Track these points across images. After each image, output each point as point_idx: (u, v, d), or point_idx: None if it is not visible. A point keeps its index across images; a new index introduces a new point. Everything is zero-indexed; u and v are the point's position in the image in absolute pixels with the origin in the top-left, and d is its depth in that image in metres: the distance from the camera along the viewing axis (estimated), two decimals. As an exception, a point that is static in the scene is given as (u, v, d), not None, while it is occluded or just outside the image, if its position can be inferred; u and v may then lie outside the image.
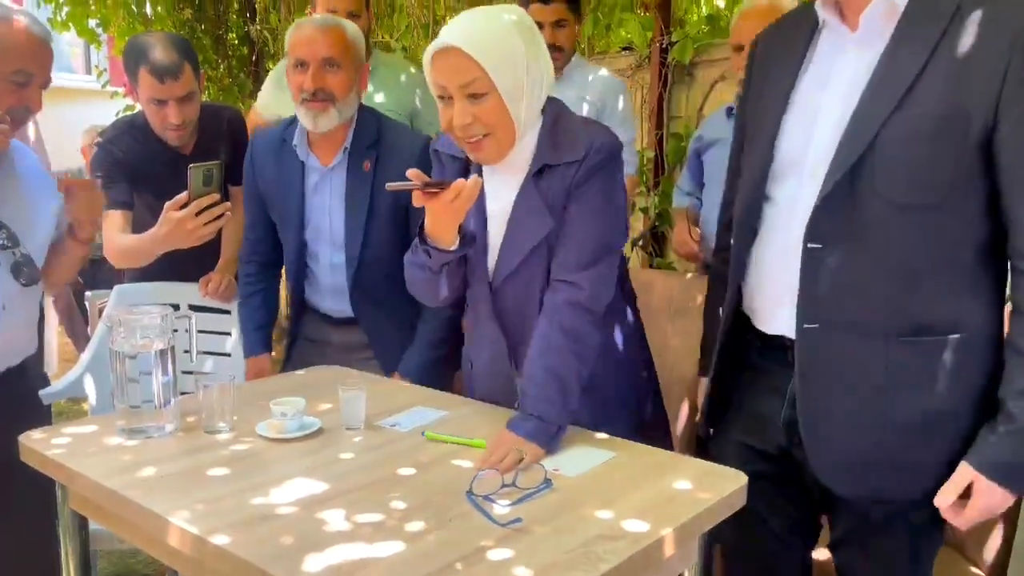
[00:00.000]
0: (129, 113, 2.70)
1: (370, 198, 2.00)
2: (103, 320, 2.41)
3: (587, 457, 1.42)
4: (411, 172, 1.42)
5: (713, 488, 1.31)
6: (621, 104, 2.71)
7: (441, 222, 1.47)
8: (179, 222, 1.97)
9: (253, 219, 2.18)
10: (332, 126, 1.97)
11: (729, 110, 2.49)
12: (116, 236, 2.22)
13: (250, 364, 2.21)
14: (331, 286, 2.11)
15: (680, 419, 2.18)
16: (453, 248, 1.51)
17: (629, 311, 1.68)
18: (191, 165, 1.99)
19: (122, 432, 1.51)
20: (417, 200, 1.43)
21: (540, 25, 2.62)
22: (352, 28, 2.00)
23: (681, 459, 1.44)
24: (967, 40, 1.17)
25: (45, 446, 1.46)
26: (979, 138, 1.17)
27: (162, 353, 1.51)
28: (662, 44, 3.40)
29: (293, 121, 2.06)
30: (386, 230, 2.02)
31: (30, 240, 1.76)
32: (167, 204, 2.00)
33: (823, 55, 1.33)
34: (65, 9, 4.85)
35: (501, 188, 1.55)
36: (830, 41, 1.32)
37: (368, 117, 2.05)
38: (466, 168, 1.61)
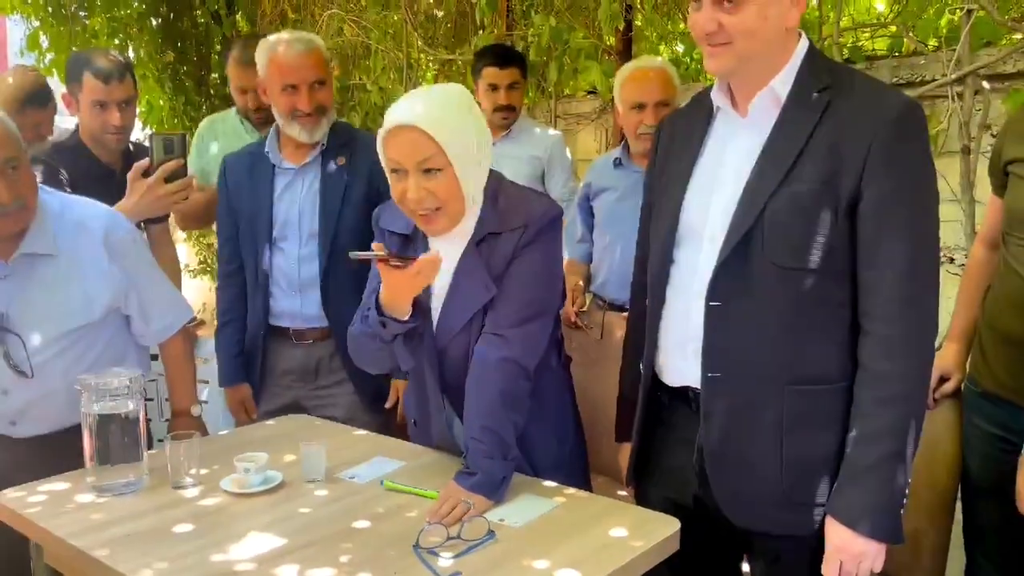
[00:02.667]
0: None
1: (344, 191, 2.15)
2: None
3: (532, 506, 1.51)
4: (376, 245, 1.51)
5: (647, 535, 1.40)
6: (567, 158, 2.94)
7: (399, 294, 1.54)
8: (149, 188, 2.05)
9: (227, 235, 2.26)
10: (324, 134, 2.16)
11: (616, 161, 2.61)
12: None
13: (230, 393, 2.29)
14: (299, 282, 2.17)
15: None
16: (406, 319, 1.58)
17: (560, 369, 1.76)
18: (152, 133, 2.10)
19: (92, 489, 1.59)
20: (383, 270, 1.51)
21: (495, 87, 2.79)
22: (322, 43, 2.17)
23: (620, 506, 1.53)
24: (838, 127, 1.33)
25: (20, 505, 1.54)
26: (847, 210, 1.33)
27: (131, 413, 1.60)
28: (624, 89, 3.52)
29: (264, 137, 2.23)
30: (358, 220, 2.11)
31: (35, 331, 1.77)
32: (130, 175, 2.07)
33: (718, 136, 1.48)
34: (49, 56, 4.95)
35: (445, 258, 1.63)
36: (724, 124, 1.48)
37: (340, 122, 2.25)
38: (408, 241, 1.67)
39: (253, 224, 2.19)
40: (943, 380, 1.86)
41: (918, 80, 2.51)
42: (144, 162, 2.06)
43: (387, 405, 2.24)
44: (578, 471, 1.75)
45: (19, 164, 1.71)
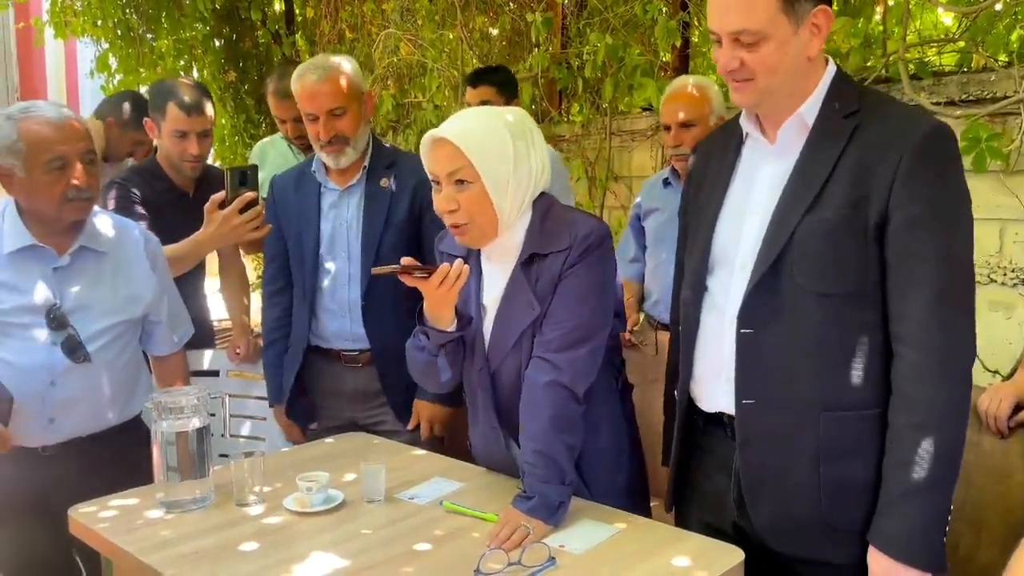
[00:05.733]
0: None
1: (387, 211, 2.17)
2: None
3: (593, 532, 1.50)
4: (404, 260, 1.55)
5: (711, 565, 1.38)
6: (566, 180, 3.01)
7: (435, 305, 1.59)
8: (225, 219, 2.14)
9: (273, 254, 2.31)
10: (352, 161, 2.17)
11: (665, 181, 2.66)
12: None
13: (279, 411, 2.32)
14: (345, 302, 2.19)
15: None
16: (450, 329, 1.61)
17: (617, 396, 1.74)
18: (226, 167, 2.20)
19: (161, 505, 1.63)
20: (407, 282, 1.55)
21: (468, 106, 2.84)
22: (348, 68, 2.14)
23: (682, 535, 1.51)
24: (866, 151, 1.34)
25: (91, 520, 1.58)
26: (876, 234, 1.33)
27: (198, 431, 1.63)
28: (680, 106, 3.49)
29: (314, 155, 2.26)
30: (400, 239, 2.14)
31: (87, 321, 1.83)
32: (207, 206, 2.17)
33: (748, 163, 1.49)
34: (117, 77, 5.13)
35: (495, 278, 1.66)
36: (753, 151, 1.49)
37: (385, 146, 2.27)
38: (464, 262, 1.66)
39: (300, 243, 2.22)
40: (1019, 409, 1.80)
41: (988, 97, 2.44)
42: (220, 194, 2.14)
43: (409, 427, 2.21)
44: (635, 499, 1.73)
45: (94, 160, 1.84)
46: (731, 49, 1.35)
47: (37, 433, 1.81)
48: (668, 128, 2.51)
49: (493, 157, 1.53)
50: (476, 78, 3.04)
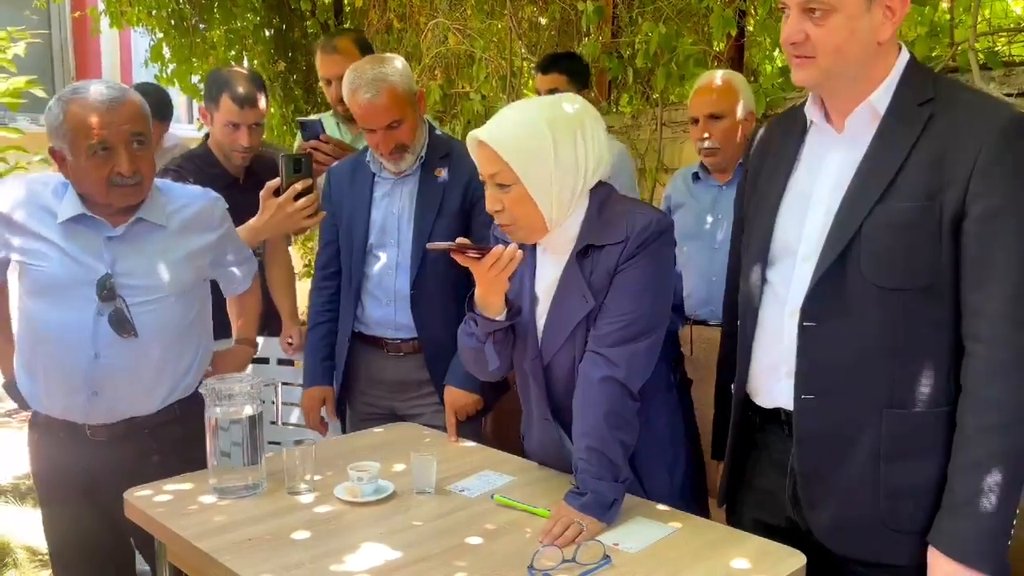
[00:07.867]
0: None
1: (440, 202, 2.15)
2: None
3: (648, 531, 1.47)
4: (459, 239, 1.53)
5: (772, 569, 1.34)
6: (631, 174, 2.92)
7: (486, 290, 1.56)
8: (279, 206, 2.14)
9: (326, 240, 2.31)
10: (411, 163, 2.16)
11: (695, 175, 2.62)
12: None
13: (311, 393, 2.28)
14: (391, 291, 2.18)
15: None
16: (500, 318, 1.59)
17: (675, 392, 1.71)
18: (281, 155, 2.20)
19: (214, 491, 1.63)
20: (459, 260, 1.53)
21: (539, 93, 2.79)
22: (398, 74, 2.08)
23: (741, 536, 1.47)
24: (941, 141, 1.29)
25: (147, 504, 1.59)
26: (951, 228, 1.28)
27: (251, 418, 1.64)
28: (735, 96, 3.41)
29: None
30: (451, 231, 2.11)
31: (137, 293, 1.80)
32: (262, 193, 2.16)
33: (813, 153, 1.45)
34: (171, 66, 5.20)
35: (548, 268, 1.63)
36: (818, 140, 1.44)
37: (440, 135, 2.24)
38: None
39: (351, 230, 2.22)
40: None
41: (1063, 87, 2.34)
42: (275, 182, 2.13)
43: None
44: (693, 498, 1.69)
45: (144, 142, 1.78)
46: (798, 20, 1.31)
47: (79, 406, 1.79)
48: (696, 121, 2.50)
49: (532, 159, 1.50)
50: (548, 64, 2.94)
